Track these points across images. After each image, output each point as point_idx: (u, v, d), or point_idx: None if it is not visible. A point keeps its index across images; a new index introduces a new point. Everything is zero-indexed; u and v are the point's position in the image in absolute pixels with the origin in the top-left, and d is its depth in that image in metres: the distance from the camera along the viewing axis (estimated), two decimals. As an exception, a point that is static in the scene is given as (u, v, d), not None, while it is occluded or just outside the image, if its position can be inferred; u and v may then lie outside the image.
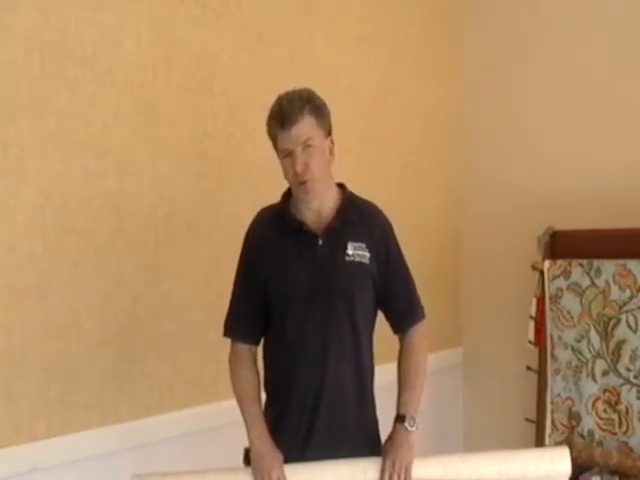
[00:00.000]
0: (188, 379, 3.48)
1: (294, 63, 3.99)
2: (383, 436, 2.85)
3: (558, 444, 4.35)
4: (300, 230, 2.74)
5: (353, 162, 4.27)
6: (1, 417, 2.85)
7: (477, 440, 5.20)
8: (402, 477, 2.63)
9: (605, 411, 4.22)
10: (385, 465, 2.65)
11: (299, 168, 2.63)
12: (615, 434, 4.18)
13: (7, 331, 2.85)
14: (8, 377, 2.86)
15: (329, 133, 2.76)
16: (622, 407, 4.15)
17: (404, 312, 2.90)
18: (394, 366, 2.88)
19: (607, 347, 4.21)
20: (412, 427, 2.73)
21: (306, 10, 4.10)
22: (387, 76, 4.65)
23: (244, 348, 2.82)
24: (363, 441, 2.79)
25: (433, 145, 5.06)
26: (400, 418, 2.75)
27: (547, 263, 4.47)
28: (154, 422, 3.34)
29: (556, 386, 4.42)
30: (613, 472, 4.19)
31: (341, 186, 2.86)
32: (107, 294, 3.19)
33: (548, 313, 4.46)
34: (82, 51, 3.07)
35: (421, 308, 2.94)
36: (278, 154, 2.72)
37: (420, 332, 2.91)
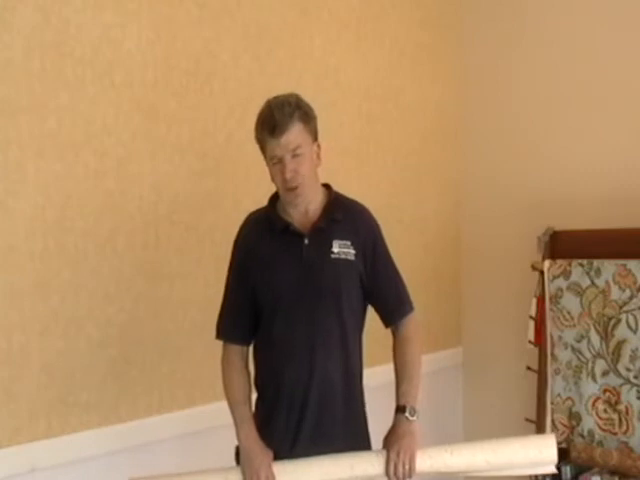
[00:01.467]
0: (188, 379, 3.47)
1: (294, 63, 3.99)
2: (372, 434, 2.91)
3: (558, 444, 4.34)
4: (286, 230, 2.80)
5: (353, 163, 4.28)
6: (1, 417, 2.85)
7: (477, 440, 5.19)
8: (407, 466, 2.66)
9: (605, 411, 4.22)
10: (390, 455, 2.68)
11: (289, 175, 2.69)
12: (615, 434, 4.18)
13: (7, 331, 2.85)
14: (8, 377, 2.86)
15: (315, 138, 2.81)
16: (622, 407, 4.15)
17: (392, 306, 2.93)
18: (388, 368, 2.90)
19: (607, 347, 4.21)
20: (413, 416, 2.75)
21: (306, 10, 4.09)
22: (387, 76, 4.65)
23: (235, 350, 2.87)
24: (351, 438, 2.84)
25: (433, 146, 5.05)
26: (401, 409, 2.77)
27: (547, 263, 4.47)
28: (154, 422, 3.34)
29: (556, 386, 4.43)
30: (613, 472, 4.19)
31: (327, 187, 2.91)
32: (107, 294, 3.19)
33: (548, 313, 4.46)
34: (82, 51, 3.07)
35: (409, 302, 2.96)
36: (266, 160, 2.77)
37: (412, 324, 2.94)
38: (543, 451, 2.80)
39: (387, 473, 2.68)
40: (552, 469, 2.87)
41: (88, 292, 3.12)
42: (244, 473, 2.68)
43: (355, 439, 2.85)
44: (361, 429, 2.92)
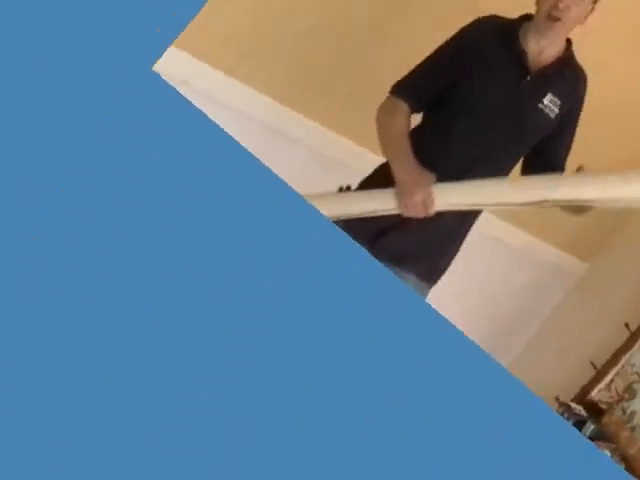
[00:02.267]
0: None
1: None
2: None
3: (599, 403, 4.33)
4: (517, 58, 2.79)
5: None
6: None
7: (531, 359, 5.07)
8: None
9: (659, 407, 4.19)
10: None
11: (562, 5, 2.65)
12: (652, 431, 4.15)
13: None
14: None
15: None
16: (676, 415, 4.11)
17: (550, 166, 2.89)
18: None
19: None
20: None
21: None
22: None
23: (403, 108, 2.83)
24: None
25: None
26: None
27: None
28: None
29: (637, 355, 4.37)
30: (624, 459, 4.17)
31: (568, 42, 2.87)
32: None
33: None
34: None
35: (564, 169, 2.96)
36: None
37: None
38: None
39: None
40: None
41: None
42: (398, 196, 2.70)
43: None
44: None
